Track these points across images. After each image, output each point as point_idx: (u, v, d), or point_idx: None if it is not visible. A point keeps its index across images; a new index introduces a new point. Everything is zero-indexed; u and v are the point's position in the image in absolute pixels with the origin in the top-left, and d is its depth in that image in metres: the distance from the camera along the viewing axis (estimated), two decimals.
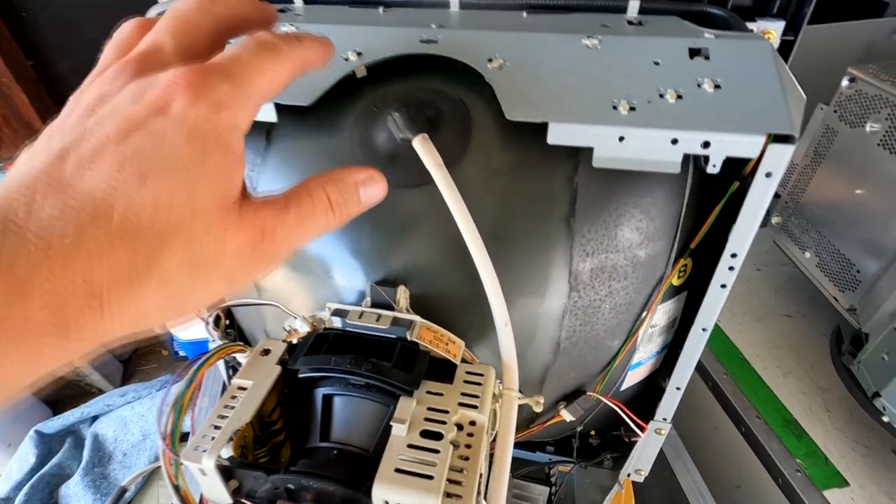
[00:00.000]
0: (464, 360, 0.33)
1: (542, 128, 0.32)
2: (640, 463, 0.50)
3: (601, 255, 0.36)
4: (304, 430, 0.32)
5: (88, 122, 0.18)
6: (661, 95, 0.32)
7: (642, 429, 0.45)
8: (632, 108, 0.31)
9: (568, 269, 0.36)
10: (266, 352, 0.34)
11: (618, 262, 0.37)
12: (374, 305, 0.35)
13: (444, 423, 0.28)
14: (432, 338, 0.32)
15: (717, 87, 0.32)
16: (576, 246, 0.35)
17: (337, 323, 0.33)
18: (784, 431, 0.86)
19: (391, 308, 0.34)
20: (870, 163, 0.78)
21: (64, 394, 1.60)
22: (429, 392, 0.30)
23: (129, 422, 1.21)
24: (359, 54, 0.37)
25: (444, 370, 0.32)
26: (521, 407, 0.41)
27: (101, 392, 1.57)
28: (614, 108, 0.31)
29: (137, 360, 1.83)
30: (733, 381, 0.91)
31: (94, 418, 1.24)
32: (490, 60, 0.35)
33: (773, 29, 0.43)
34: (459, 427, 0.29)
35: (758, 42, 0.35)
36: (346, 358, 0.30)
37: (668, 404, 0.45)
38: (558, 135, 0.32)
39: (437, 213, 0.34)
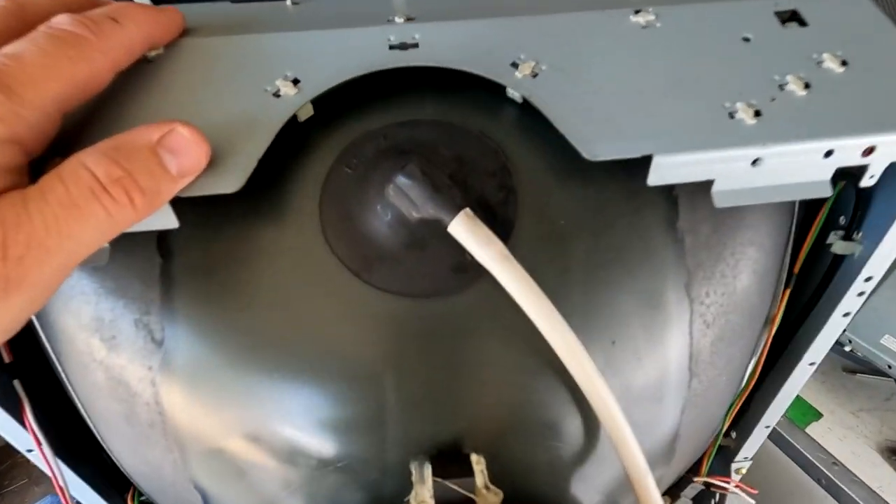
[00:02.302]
0: None
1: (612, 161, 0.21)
2: None
3: (721, 321, 0.26)
4: None
5: None
6: (782, 87, 0.22)
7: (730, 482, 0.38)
8: (757, 114, 0.21)
9: (688, 353, 0.25)
10: None
11: (737, 321, 0.26)
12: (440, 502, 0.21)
13: None
14: None
15: (843, 63, 0.22)
16: (695, 319, 0.24)
17: None
18: None
19: (470, 501, 0.21)
20: None
21: None
22: None
23: None
24: (295, 82, 0.22)
25: None
26: None
27: None
28: (731, 116, 0.21)
29: None
30: None
31: None
32: (515, 65, 0.23)
33: None
34: None
35: None
36: None
37: (753, 444, 0.37)
38: (665, 170, 0.20)
39: (500, 323, 0.21)
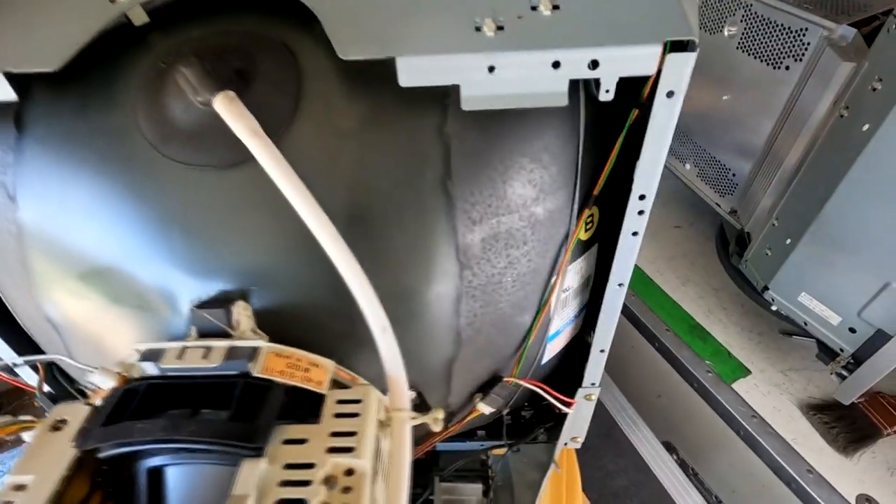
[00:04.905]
0: (338, 384, 0.25)
1: (395, 69, 0.24)
2: (574, 430, 0.45)
3: (491, 221, 0.29)
4: None
5: None
6: (534, 7, 0.24)
7: (568, 404, 0.40)
8: (499, 28, 0.24)
9: (454, 243, 0.28)
10: (58, 425, 0.23)
11: (513, 225, 0.29)
12: (203, 335, 0.25)
13: (308, 482, 0.21)
14: (284, 366, 0.24)
15: None
16: (459, 214, 0.28)
17: (150, 369, 0.24)
18: (691, 337, 0.90)
19: (229, 335, 0.25)
20: (731, 67, 0.79)
21: None
22: (287, 441, 0.22)
23: None
24: None
25: (309, 405, 0.24)
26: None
27: None
28: (477, 29, 0.24)
29: None
30: (641, 300, 0.94)
31: None
32: None
33: None
34: (331, 482, 0.21)
35: None
36: (157, 422, 0.22)
37: (595, 369, 0.40)
38: (412, 73, 0.24)
39: (272, 197, 0.25)
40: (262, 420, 0.22)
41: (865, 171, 0.57)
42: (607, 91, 0.25)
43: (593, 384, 0.41)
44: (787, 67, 0.69)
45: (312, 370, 0.24)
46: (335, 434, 0.22)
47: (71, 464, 0.22)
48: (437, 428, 0.26)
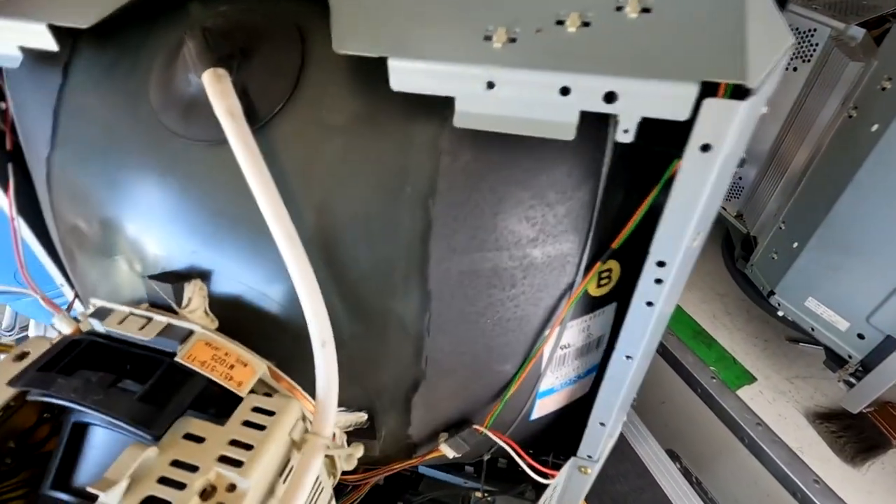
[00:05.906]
0: (266, 391, 0.22)
1: None
2: (566, 499, 0.38)
3: (474, 254, 0.23)
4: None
5: None
6: (560, 22, 0.18)
7: (545, 475, 0.33)
8: (511, 40, 0.18)
9: (426, 269, 0.23)
10: (21, 356, 0.23)
11: (500, 263, 0.24)
12: (154, 305, 0.23)
13: (183, 486, 0.18)
14: (209, 357, 0.21)
15: (645, 10, 0.18)
16: (436, 238, 0.23)
17: (97, 327, 0.22)
18: (695, 343, 0.86)
19: (174, 310, 0.23)
20: None
21: None
22: (187, 436, 0.20)
23: None
24: None
25: (227, 404, 0.21)
26: (397, 436, 0.29)
27: None
28: (487, 39, 0.18)
29: None
30: None
31: None
32: None
33: None
34: (211, 492, 0.19)
35: None
36: (72, 382, 0.20)
37: (592, 441, 0.33)
38: (403, 77, 0.19)
39: (244, 182, 0.22)
40: (169, 408, 0.20)
41: (874, 173, 0.53)
42: (626, 131, 0.18)
43: (590, 457, 0.34)
44: (795, 69, 0.66)
45: (238, 368, 0.21)
46: (234, 443, 0.19)
47: (15, 395, 0.21)
48: (348, 466, 0.23)
